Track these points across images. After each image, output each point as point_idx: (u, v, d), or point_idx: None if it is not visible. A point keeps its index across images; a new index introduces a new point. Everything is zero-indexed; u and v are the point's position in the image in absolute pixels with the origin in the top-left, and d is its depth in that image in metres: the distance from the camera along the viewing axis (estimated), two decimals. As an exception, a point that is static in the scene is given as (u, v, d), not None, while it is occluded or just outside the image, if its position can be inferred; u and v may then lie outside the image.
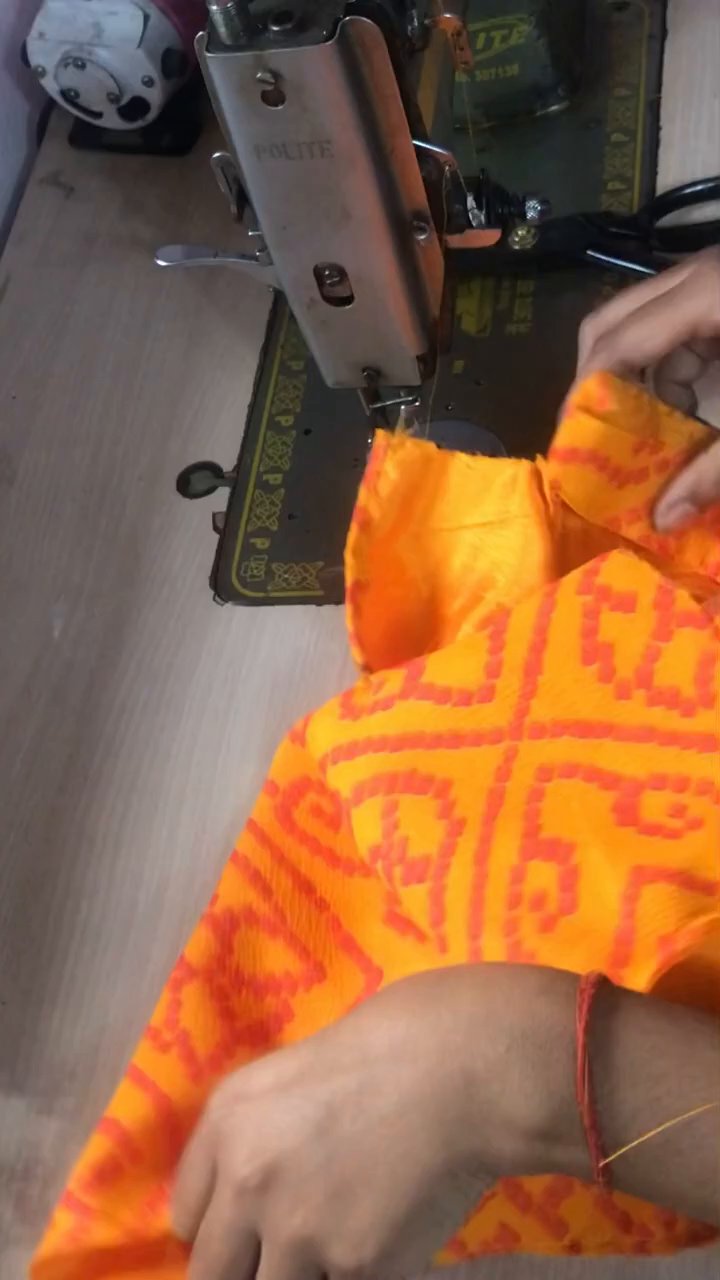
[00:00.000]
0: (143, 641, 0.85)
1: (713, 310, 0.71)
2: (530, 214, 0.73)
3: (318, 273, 0.70)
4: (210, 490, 0.90)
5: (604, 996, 0.52)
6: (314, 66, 0.60)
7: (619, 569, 0.70)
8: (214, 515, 0.89)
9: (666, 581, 0.69)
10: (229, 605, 0.85)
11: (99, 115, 1.01)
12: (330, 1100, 0.54)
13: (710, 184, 0.92)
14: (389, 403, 0.78)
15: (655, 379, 0.75)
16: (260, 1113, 0.55)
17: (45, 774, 0.82)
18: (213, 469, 0.91)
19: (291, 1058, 0.57)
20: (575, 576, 0.70)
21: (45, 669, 0.86)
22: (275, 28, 0.60)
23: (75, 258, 1.03)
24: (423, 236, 0.69)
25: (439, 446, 0.83)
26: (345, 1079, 0.54)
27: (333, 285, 0.70)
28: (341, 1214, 0.53)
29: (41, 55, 0.99)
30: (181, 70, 0.99)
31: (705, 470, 0.72)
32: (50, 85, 1.01)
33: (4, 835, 0.81)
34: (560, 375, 0.86)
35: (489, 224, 0.71)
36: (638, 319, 0.73)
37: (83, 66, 0.98)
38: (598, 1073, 0.51)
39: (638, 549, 0.72)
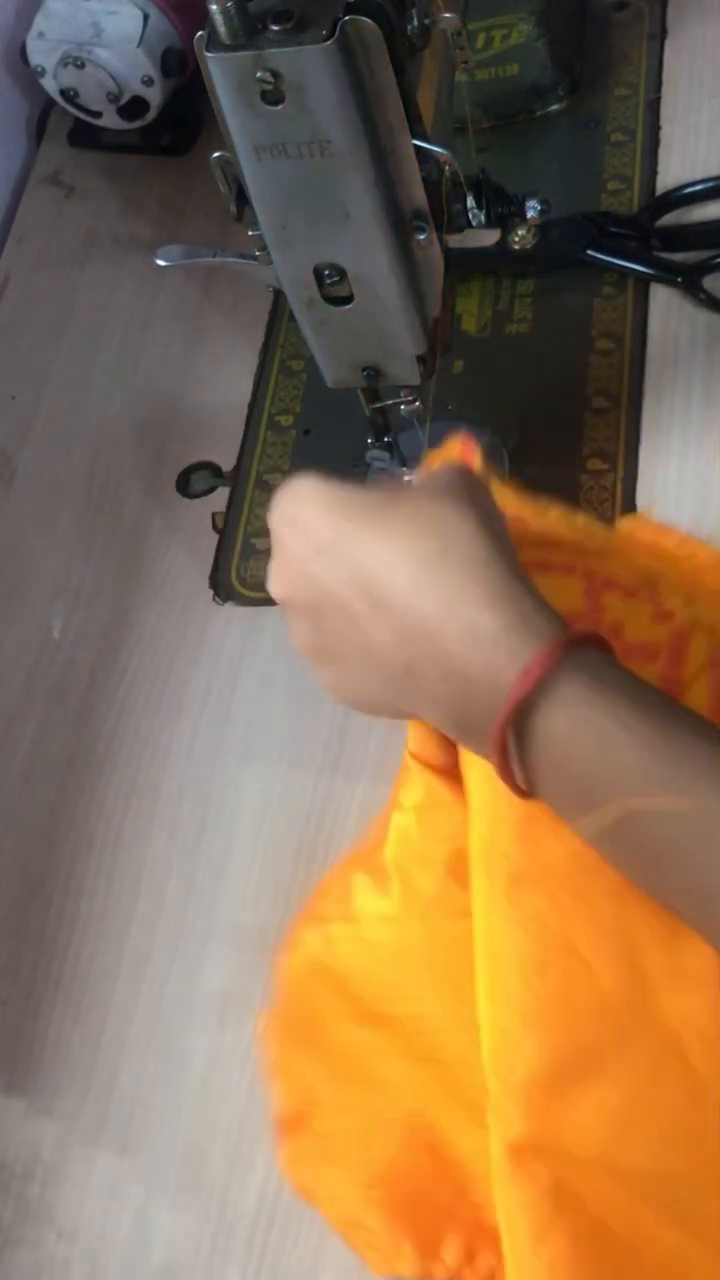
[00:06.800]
0: (142, 641, 0.85)
1: None
2: (530, 214, 0.73)
3: (317, 273, 0.69)
4: (210, 490, 0.90)
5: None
6: (314, 66, 0.60)
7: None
8: (214, 515, 0.89)
9: None
10: (229, 605, 0.85)
11: (98, 115, 1.01)
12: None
13: (710, 184, 0.92)
14: (389, 403, 0.78)
15: None
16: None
17: (45, 774, 0.82)
18: (213, 469, 0.91)
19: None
20: None
21: (45, 669, 0.86)
22: (275, 27, 0.60)
23: (75, 258, 1.03)
24: (422, 236, 0.69)
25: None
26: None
27: (332, 285, 0.70)
28: None
29: (41, 55, 0.99)
30: (181, 70, 0.99)
31: None
32: (50, 85, 1.00)
33: (4, 835, 0.81)
34: (560, 375, 0.86)
35: (489, 224, 0.71)
36: None
37: (82, 66, 0.98)
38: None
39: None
